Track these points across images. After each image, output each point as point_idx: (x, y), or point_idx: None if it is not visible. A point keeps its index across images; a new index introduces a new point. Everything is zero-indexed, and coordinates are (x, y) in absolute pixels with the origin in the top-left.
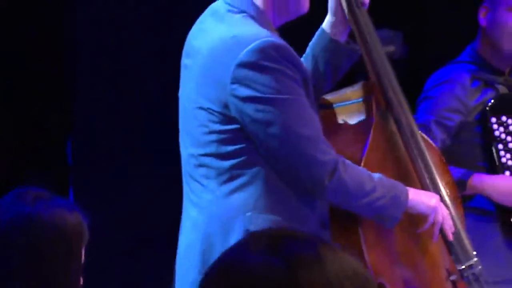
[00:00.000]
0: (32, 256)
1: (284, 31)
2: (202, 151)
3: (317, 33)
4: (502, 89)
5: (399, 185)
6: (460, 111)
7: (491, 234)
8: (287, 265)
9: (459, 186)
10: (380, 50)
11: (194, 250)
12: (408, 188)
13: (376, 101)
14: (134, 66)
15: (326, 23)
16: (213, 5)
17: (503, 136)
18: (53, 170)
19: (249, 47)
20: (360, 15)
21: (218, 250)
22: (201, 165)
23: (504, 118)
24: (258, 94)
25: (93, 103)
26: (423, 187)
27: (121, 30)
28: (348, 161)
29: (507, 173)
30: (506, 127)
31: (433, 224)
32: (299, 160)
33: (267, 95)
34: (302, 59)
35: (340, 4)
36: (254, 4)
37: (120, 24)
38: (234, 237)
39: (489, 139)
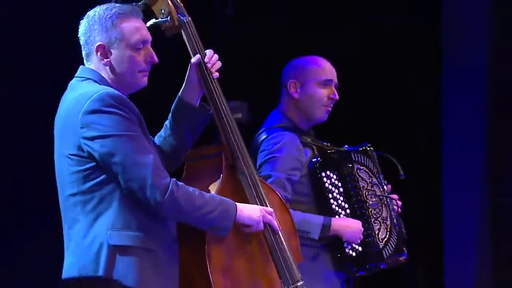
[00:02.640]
0: None
1: None
2: (69, 192)
3: (176, 99)
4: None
5: (229, 201)
6: (299, 168)
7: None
8: None
9: (324, 229)
10: (229, 113)
11: (72, 271)
12: (237, 203)
13: (225, 157)
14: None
15: (182, 90)
16: (71, 81)
17: (330, 187)
18: None
19: (91, 98)
20: (212, 85)
21: (92, 269)
22: (71, 204)
23: (328, 173)
24: (101, 133)
25: None
26: None
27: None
28: (181, 183)
29: (337, 217)
30: (331, 179)
31: (258, 232)
32: (137, 183)
33: (108, 133)
34: (166, 122)
35: (194, 73)
36: (99, 74)
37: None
38: (103, 254)
39: (320, 190)
